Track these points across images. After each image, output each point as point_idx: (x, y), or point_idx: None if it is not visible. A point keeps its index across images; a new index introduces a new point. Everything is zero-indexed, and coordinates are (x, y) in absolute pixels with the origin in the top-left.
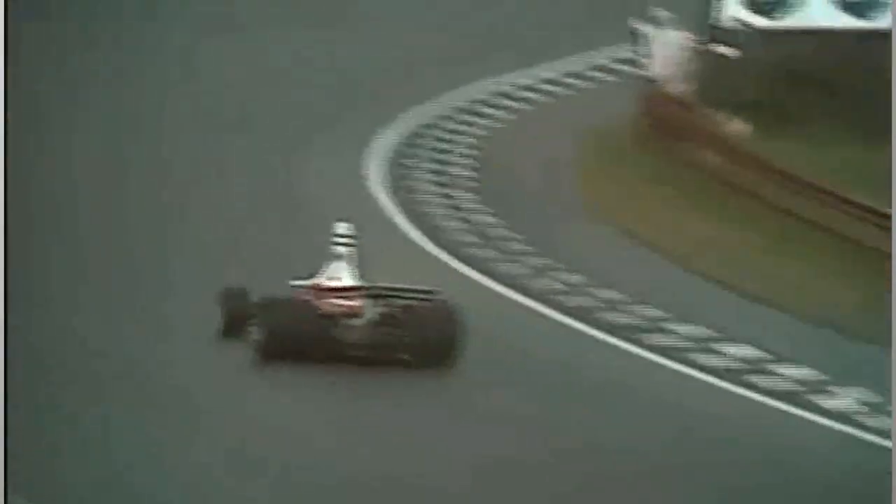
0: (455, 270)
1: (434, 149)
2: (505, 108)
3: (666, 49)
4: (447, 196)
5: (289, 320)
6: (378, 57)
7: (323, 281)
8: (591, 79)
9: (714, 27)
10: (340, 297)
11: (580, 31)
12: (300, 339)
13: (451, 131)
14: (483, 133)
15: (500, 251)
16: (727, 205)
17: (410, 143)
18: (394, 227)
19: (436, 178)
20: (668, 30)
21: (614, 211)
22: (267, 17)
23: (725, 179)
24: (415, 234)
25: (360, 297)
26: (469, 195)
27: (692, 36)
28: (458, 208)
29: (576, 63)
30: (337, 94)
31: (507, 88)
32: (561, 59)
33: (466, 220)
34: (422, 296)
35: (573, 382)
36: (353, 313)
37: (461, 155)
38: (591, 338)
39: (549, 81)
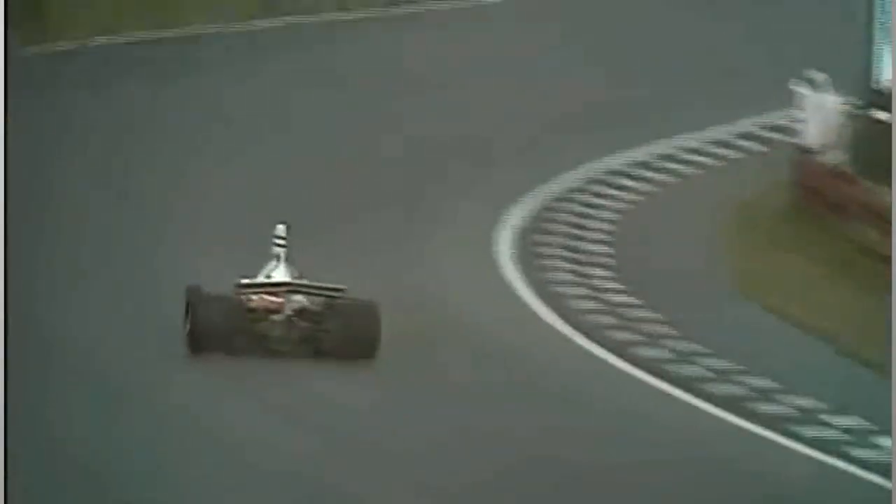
0: (590, 353)
1: (568, 223)
2: (645, 179)
3: (821, 114)
4: (581, 274)
5: (214, 315)
6: (515, 127)
7: (259, 278)
8: (739, 147)
9: (873, 91)
10: (269, 294)
11: (725, 99)
12: (223, 332)
13: (587, 204)
14: (621, 206)
15: (639, 334)
16: (888, 284)
17: (543, 217)
18: (524, 306)
19: (569, 254)
20: (824, 94)
21: (764, 290)
22: (389, 76)
23: (885, 256)
24: (546, 314)
25: (284, 293)
26: (605, 273)
27: (850, 100)
28: (593, 287)
29: (721, 131)
30: (470, 162)
31: (647, 158)
32: (705, 129)
33: (602, 300)
34: (335, 293)
35: (724, 471)
36: (276, 309)
37: (596, 230)
38: (742, 430)
39: (693, 151)
